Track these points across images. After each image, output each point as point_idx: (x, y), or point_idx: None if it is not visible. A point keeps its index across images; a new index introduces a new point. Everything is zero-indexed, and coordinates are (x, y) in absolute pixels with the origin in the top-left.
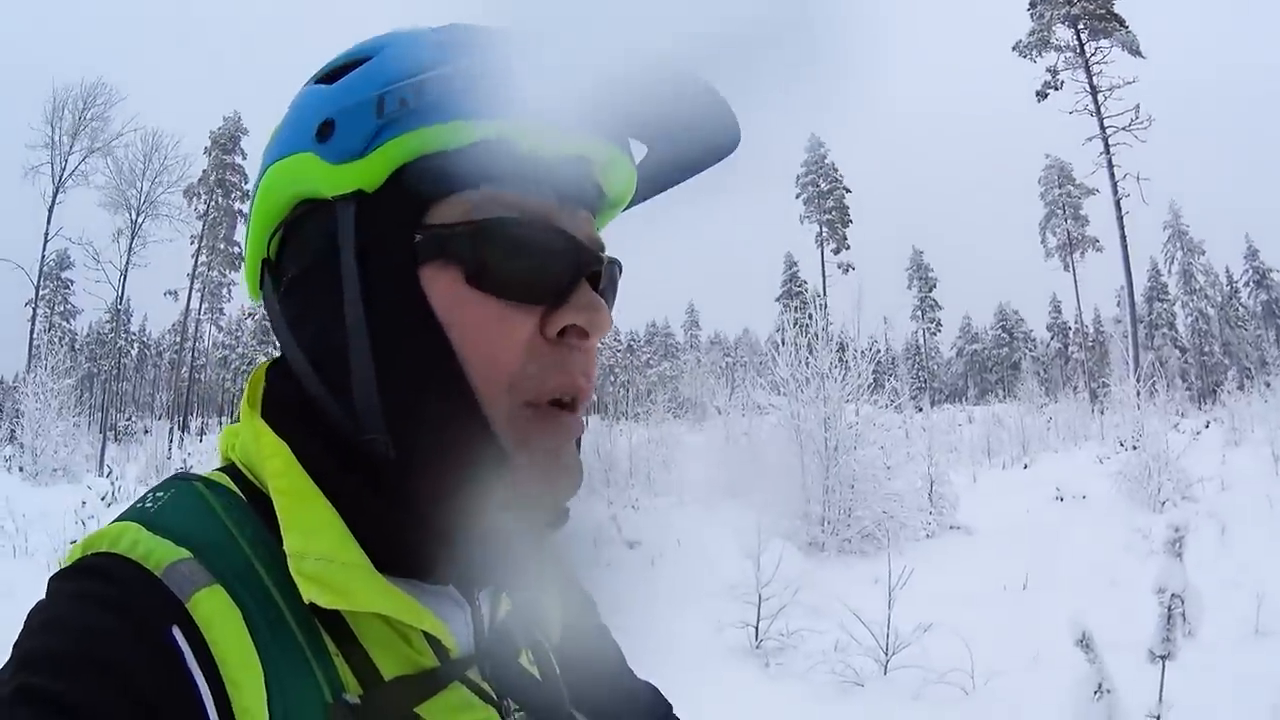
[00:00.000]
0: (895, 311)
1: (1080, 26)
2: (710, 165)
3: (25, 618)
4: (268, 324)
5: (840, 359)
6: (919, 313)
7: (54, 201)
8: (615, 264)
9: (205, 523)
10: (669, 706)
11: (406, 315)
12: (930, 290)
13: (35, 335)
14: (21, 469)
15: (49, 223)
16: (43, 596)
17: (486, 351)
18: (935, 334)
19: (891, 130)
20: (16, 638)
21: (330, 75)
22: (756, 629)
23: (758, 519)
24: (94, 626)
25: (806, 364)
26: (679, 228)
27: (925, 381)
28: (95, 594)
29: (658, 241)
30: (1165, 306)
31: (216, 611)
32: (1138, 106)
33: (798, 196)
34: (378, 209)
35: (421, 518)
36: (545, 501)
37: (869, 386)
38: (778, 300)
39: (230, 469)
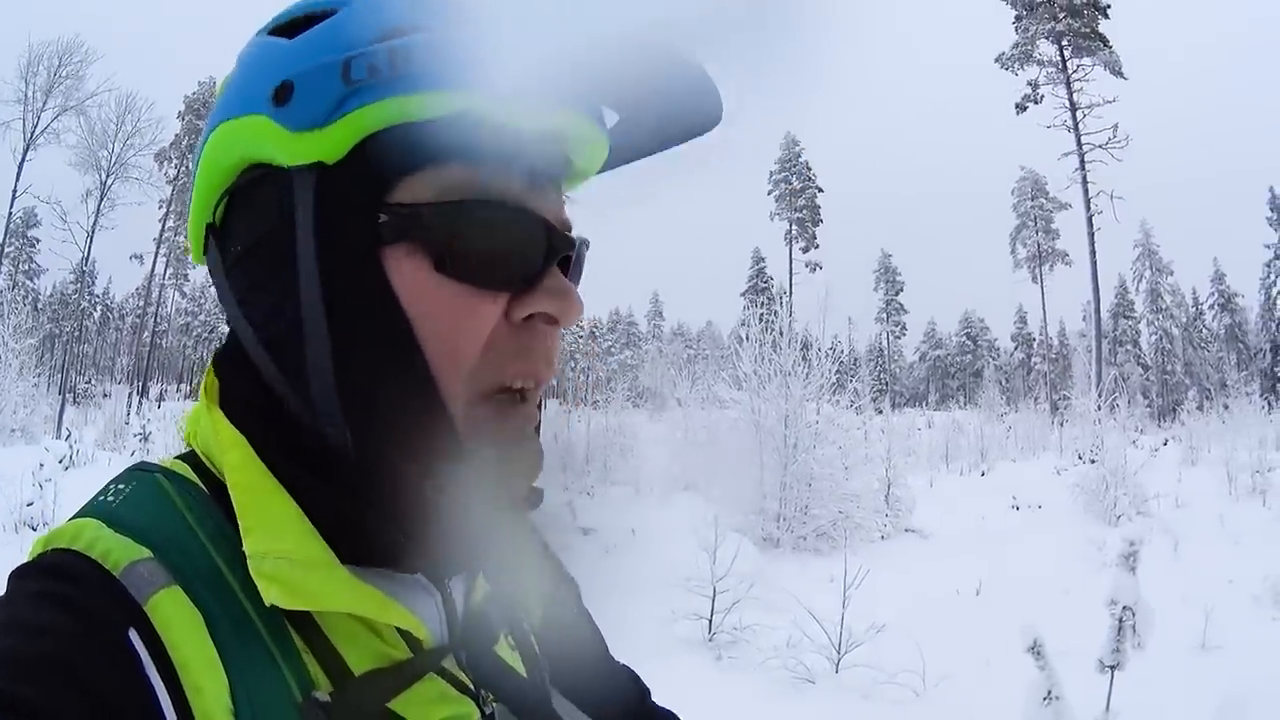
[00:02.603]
0: (861, 313)
1: (1064, 43)
2: (686, 139)
3: None
4: None
5: (803, 357)
6: (884, 315)
7: (24, 158)
8: (584, 244)
9: (166, 518)
10: (647, 691)
11: (368, 300)
12: (897, 293)
13: None
14: None
15: (17, 179)
16: (1, 593)
17: (450, 340)
18: (899, 337)
19: (867, 131)
20: None
21: (288, 27)
22: (710, 621)
23: (714, 512)
24: (52, 628)
25: (769, 360)
26: (646, 214)
27: (887, 384)
28: (53, 594)
29: (625, 227)
30: (1131, 324)
31: (176, 614)
32: (1116, 125)
33: (769, 193)
34: (339, 183)
35: (382, 507)
36: (505, 490)
37: (831, 386)
38: (743, 295)
39: (191, 456)
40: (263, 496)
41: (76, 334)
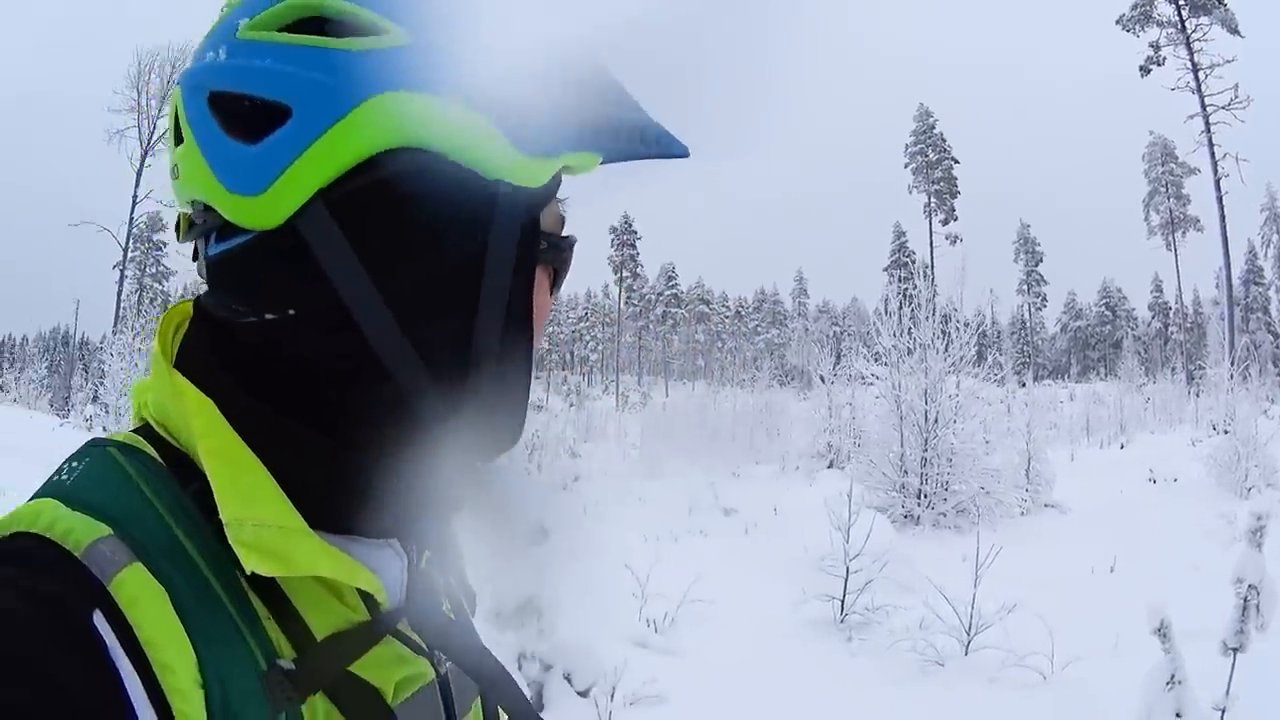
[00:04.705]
0: (1001, 285)
1: (1181, 2)
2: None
3: None
4: None
5: (943, 331)
6: (1025, 287)
7: (142, 165)
8: None
9: (123, 493)
10: None
11: (528, 308)
12: (1037, 264)
13: (123, 297)
14: (105, 429)
15: (137, 186)
16: None
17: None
18: (1040, 309)
19: (1002, 100)
20: None
21: None
22: (842, 603)
23: (851, 490)
24: (12, 617)
25: (910, 334)
26: (792, 191)
27: (1029, 357)
28: (12, 580)
29: (770, 208)
30: (1261, 290)
31: (139, 592)
32: (1236, 86)
33: (906, 165)
34: (531, 208)
35: (398, 470)
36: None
37: (971, 359)
38: (885, 270)
39: (145, 429)
40: (236, 462)
41: None
